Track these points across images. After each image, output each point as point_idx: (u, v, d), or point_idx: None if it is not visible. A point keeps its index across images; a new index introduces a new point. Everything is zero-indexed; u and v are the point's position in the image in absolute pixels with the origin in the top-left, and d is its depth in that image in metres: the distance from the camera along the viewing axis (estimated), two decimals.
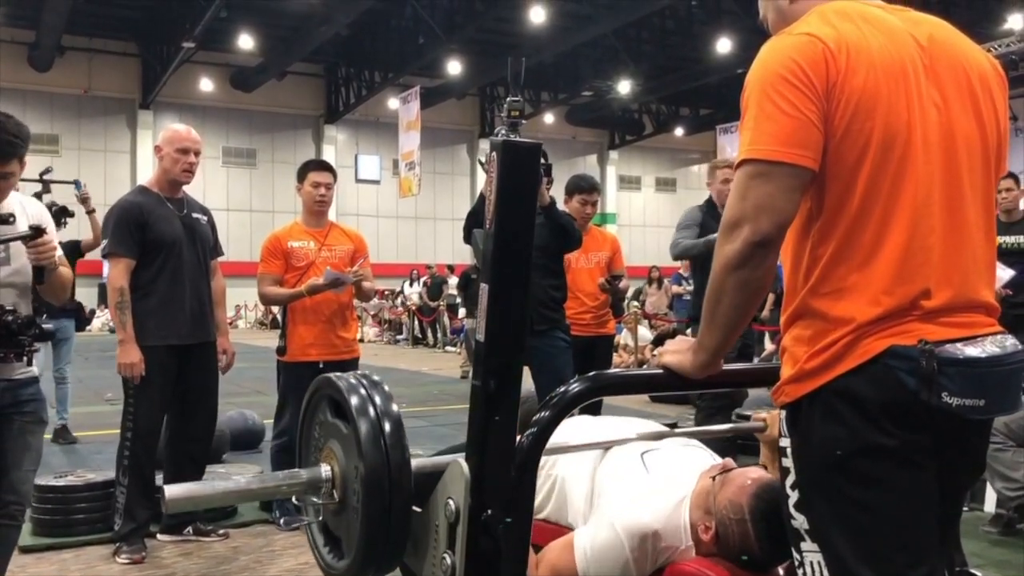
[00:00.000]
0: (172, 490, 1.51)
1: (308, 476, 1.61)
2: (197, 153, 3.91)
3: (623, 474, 1.97)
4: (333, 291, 4.14)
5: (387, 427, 1.50)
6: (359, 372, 1.64)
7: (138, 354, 3.65)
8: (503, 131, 3.24)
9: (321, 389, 1.65)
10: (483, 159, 3.39)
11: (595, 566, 1.85)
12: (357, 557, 1.54)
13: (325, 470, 1.57)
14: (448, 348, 17.00)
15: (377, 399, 1.53)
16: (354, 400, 1.53)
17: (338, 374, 1.64)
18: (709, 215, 4.72)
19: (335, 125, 28.07)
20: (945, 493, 1.48)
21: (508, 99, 3.17)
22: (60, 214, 6.59)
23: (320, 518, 1.65)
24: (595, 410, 3.51)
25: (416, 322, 19.10)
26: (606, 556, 1.85)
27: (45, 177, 5.66)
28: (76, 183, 5.96)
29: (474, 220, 3.86)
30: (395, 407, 1.54)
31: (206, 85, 26.37)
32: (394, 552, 1.56)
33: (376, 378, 1.60)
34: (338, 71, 27.12)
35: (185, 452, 3.93)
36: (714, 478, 1.87)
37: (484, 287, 1.53)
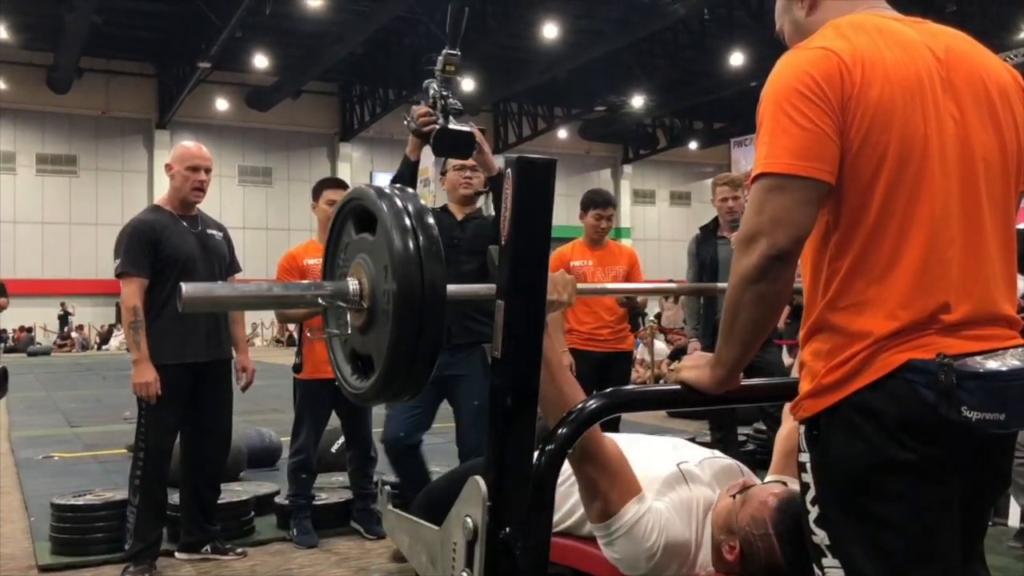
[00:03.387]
0: (188, 288, 1.43)
1: (334, 287, 1.51)
2: (208, 170, 3.90)
3: (663, 483, 1.92)
4: None
5: (422, 239, 1.42)
6: (392, 186, 1.55)
7: (153, 373, 3.65)
8: (434, 85, 3.20)
9: (348, 203, 1.58)
10: (407, 116, 3.23)
11: (630, 531, 1.79)
12: (385, 366, 1.45)
13: (353, 283, 1.49)
14: None
15: (411, 208, 1.46)
16: (385, 208, 1.44)
17: (368, 184, 1.58)
18: (703, 241, 4.98)
19: (350, 143, 28.24)
20: (968, 508, 1.46)
21: (444, 51, 3.14)
22: None
23: (346, 340, 1.57)
24: (613, 427, 3.49)
25: None
26: (643, 536, 1.78)
27: None
28: None
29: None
30: (431, 219, 1.47)
31: (222, 104, 26.60)
32: (423, 368, 1.48)
33: (410, 190, 1.54)
34: (352, 89, 27.30)
35: (200, 470, 3.94)
36: (735, 496, 1.85)
37: (500, 303, 1.53)
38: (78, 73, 24.71)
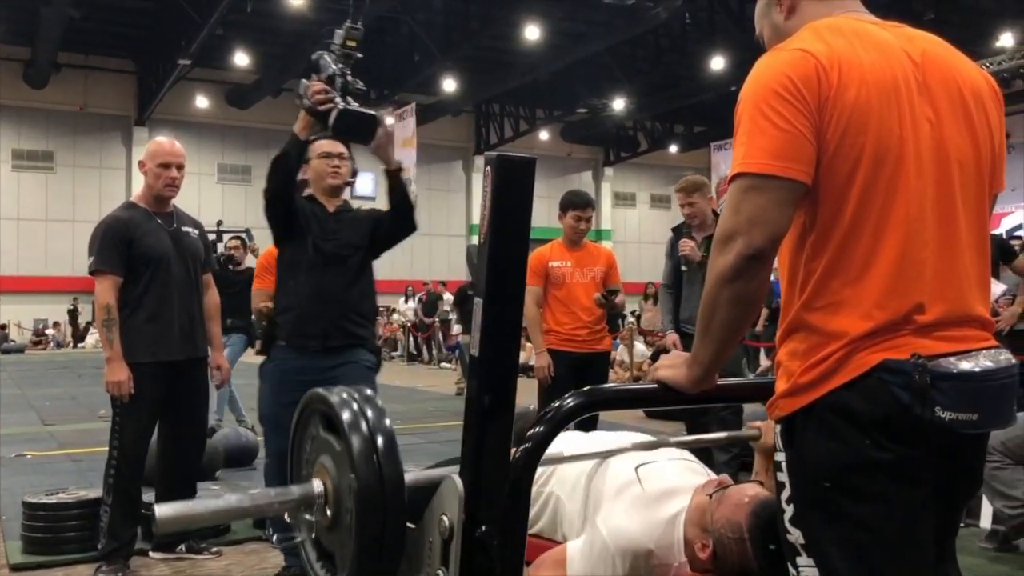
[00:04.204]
0: (163, 509, 1.48)
1: (300, 492, 1.58)
2: (180, 167, 3.85)
3: (618, 487, 1.96)
4: None
5: (380, 442, 1.48)
6: (350, 387, 1.62)
7: (126, 372, 3.61)
8: (325, 57, 3.07)
9: (312, 404, 1.64)
10: (298, 92, 3.08)
11: None
12: (350, 575, 1.53)
13: (317, 485, 1.55)
14: (443, 365, 16.97)
15: (369, 413, 1.52)
16: (346, 415, 1.51)
17: (329, 387, 1.63)
18: (676, 241, 5.00)
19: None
20: (941, 508, 1.47)
21: (346, 24, 3.01)
22: (227, 262, 6.98)
23: (313, 534, 1.63)
24: (590, 427, 3.49)
25: (411, 339, 19.05)
26: (598, 571, 1.83)
27: (221, 228, 5.81)
28: (247, 233, 5.74)
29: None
30: (388, 422, 1.53)
31: (201, 102, 26.42)
32: (388, 569, 1.54)
33: (368, 392, 1.58)
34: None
35: (175, 469, 3.90)
36: (711, 495, 1.86)
37: (478, 301, 1.52)
38: (55, 68, 24.46)
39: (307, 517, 1.60)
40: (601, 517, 1.91)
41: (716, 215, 4.86)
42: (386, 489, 1.47)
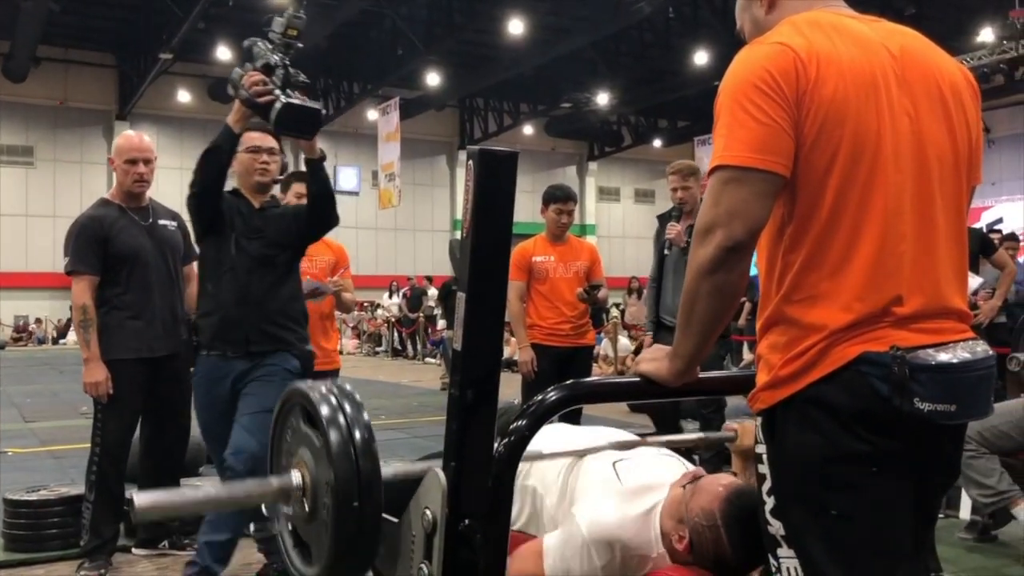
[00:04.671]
0: (141, 498, 1.47)
1: (279, 484, 1.59)
2: (148, 162, 3.79)
3: (595, 483, 1.97)
4: (312, 301, 4.12)
5: (357, 437, 1.49)
6: (330, 381, 1.62)
7: (104, 372, 3.58)
8: (259, 44, 2.94)
9: (292, 398, 1.65)
10: (232, 82, 2.96)
11: (563, 574, 1.85)
12: (326, 566, 1.52)
13: (296, 477, 1.56)
14: (428, 360, 16.95)
15: (348, 408, 1.52)
16: (324, 410, 1.52)
17: (310, 383, 1.63)
18: (661, 229, 5.02)
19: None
20: (920, 499, 1.49)
21: (287, 12, 2.89)
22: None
23: (290, 526, 1.64)
24: (574, 421, 3.50)
25: (396, 334, 19.03)
26: (574, 564, 1.84)
27: None
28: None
29: None
30: (366, 416, 1.53)
31: (184, 96, 26.23)
32: (363, 563, 1.55)
33: (348, 388, 1.58)
34: (316, 83, 27.05)
35: (158, 466, 3.88)
36: (685, 487, 1.87)
37: (461, 295, 1.52)
38: (35, 62, 24.21)
39: (285, 509, 1.61)
40: (578, 510, 1.91)
41: None
42: (362, 484, 1.47)
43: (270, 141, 3.37)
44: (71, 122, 26.00)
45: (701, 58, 20.40)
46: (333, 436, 1.48)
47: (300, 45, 2.97)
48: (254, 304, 3.21)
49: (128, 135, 3.94)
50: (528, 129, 29.43)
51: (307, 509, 1.54)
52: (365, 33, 22.20)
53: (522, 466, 1.78)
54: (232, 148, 3.14)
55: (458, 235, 1.57)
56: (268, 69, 2.91)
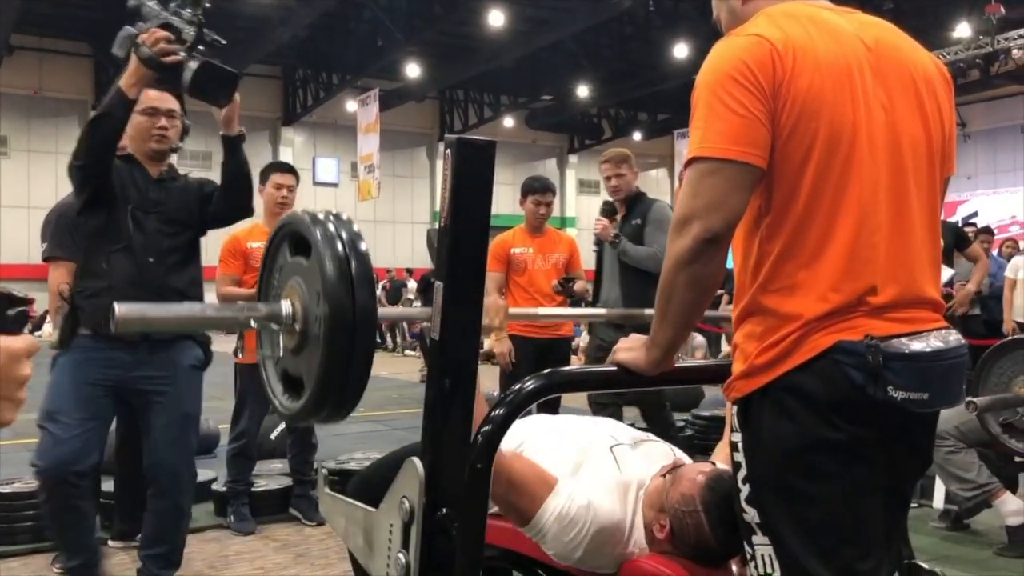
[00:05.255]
0: (123, 308, 1.38)
1: (268, 309, 1.51)
2: None
3: (596, 464, 1.93)
4: None
5: (353, 262, 1.42)
6: (324, 210, 1.53)
7: None
8: (152, 2, 2.67)
9: (283, 228, 1.58)
10: (127, 40, 2.62)
11: (554, 525, 1.80)
12: (314, 394, 1.46)
13: (286, 306, 1.48)
14: (407, 352, 16.93)
15: (344, 233, 1.45)
16: (319, 232, 1.44)
17: (304, 209, 1.55)
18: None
19: (292, 127, 27.79)
20: (893, 487, 1.51)
21: None
22: None
23: (278, 360, 1.57)
24: (552, 409, 3.51)
25: None
26: (568, 525, 1.79)
27: None
28: None
29: None
30: (364, 245, 1.47)
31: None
32: (352, 396, 1.48)
33: (344, 215, 1.52)
34: (295, 73, 26.86)
35: (135, 458, 3.84)
36: (665, 476, 1.88)
37: (438, 285, 1.52)
38: (8, 50, 23.86)
39: (273, 327, 1.53)
40: (584, 486, 1.86)
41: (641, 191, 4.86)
42: (357, 309, 1.41)
43: (170, 102, 3.03)
44: (46, 112, 25.69)
45: (681, 51, 20.44)
46: (327, 257, 1.41)
47: (208, 5, 2.70)
48: (152, 288, 2.85)
49: None
50: (508, 121, 29.37)
51: (298, 333, 1.47)
52: (345, 24, 22.04)
53: (507, 448, 1.76)
54: (125, 116, 2.77)
55: (436, 227, 1.55)
56: (169, 27, 2.64)
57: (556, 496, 1.82)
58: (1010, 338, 4.48)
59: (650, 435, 2.20)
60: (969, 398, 3.28)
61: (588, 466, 1.92)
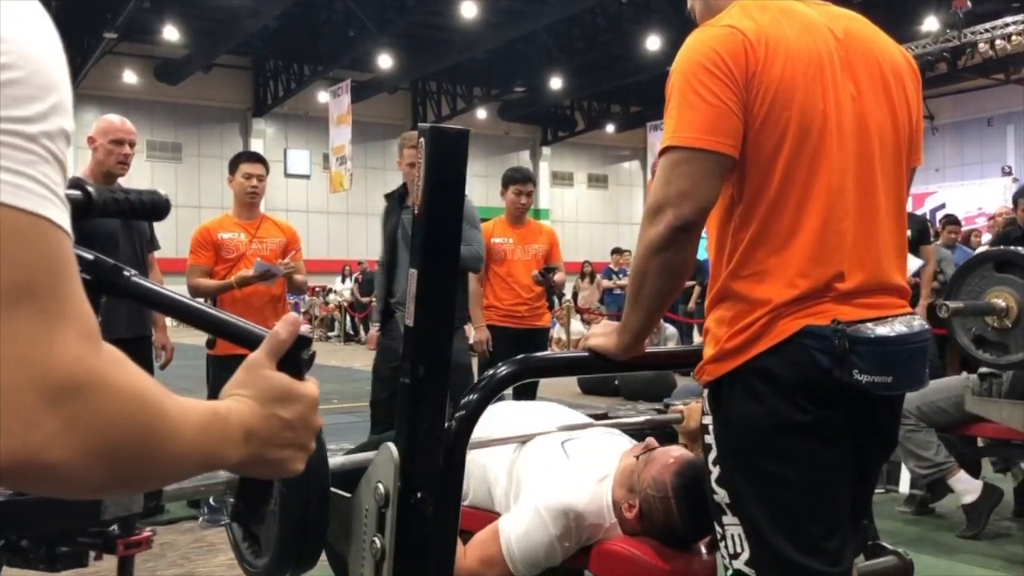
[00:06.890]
0: None
1: (227, 477, 1.54)
2: (132, 144, 3.85)
3: (544, 461, 1.99)
4: (263, 283, 4.09)
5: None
6: None
7: None
8: None
9: None
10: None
11: (521, 551, 1.87)
12: (275, 556, 1.53)
13: None
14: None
15: None
16: None
17: None
18: (389, 211, 4.76)
19: (263, 119, 27.57)
20: (858, 468, 1.54)
21: None
22: None
23: (238, 520, 1.62)
24: (529, 396, 3.53)
25: (348, 319, 18.91)
26: (531, 539, 1.86)
27: None
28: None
29: None
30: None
31: (129, 77, 25.63)
32: (312, 550, 1.55)
33: None
34: (266, 64, 26.63)
35: None
36: (637, 457, 1.91)
37: (412, 272, 1.53)
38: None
39: (232, 500, 1.60)
40: (529, 485, 1.93)
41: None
42: (309, 473, 1.46)
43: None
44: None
45: (653, 43, 20.49)
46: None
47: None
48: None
49: (111, 118, 3.97)
50: (481, 113, 29.32)
51: None
52: (316, 14, 21.91)
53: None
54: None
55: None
56: None
57: (503, 534, 1.91)
58: (981, 251, 4.41)
59: (612, 429, 2.22)
60: (941, 301, 3.23)
61: (536, 468, 1.98)
